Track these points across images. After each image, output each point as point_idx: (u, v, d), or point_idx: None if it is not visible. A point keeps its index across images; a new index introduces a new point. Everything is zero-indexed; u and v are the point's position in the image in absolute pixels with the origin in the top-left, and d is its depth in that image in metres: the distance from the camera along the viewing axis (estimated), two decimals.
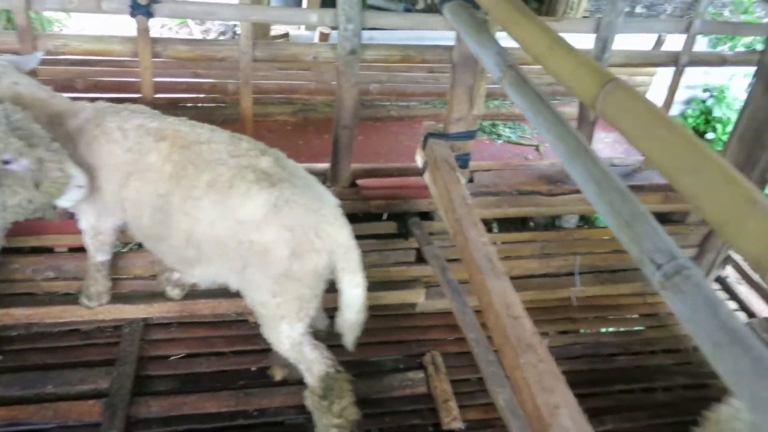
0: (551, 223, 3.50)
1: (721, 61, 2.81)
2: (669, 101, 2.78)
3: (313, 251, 1.90)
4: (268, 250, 1.89)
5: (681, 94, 5.60)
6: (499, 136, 3.66)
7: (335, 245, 1.95)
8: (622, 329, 3.16)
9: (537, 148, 3.58)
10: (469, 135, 2.53)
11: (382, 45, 2.33)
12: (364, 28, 2.25)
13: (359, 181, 2.57)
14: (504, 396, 1.86)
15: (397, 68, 3.54)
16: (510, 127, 3.70)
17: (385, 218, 2.84)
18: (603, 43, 2.46)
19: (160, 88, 3.06)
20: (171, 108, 2.67)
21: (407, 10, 5.24)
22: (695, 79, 5.49)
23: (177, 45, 2.20)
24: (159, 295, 2.58)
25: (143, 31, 2.09)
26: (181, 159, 1.91)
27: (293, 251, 1.89)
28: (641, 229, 1.14)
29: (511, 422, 1.78)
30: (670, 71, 2.75)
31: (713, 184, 0.96)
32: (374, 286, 2.81)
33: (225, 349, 2.56)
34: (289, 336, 2.03)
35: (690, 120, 5.50)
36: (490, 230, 3.77)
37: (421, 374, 2.53)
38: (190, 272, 2.08)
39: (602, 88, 1.24)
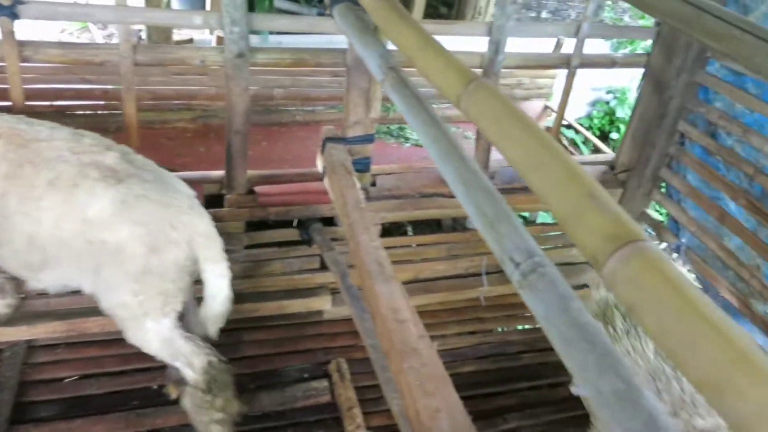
0: (462, 225, 3.54)
1: (611, 63, 2.91)
2: (563, 102, 2.86)
3: (171, 244, 1.87)
4: (123, 249, 1.83)
5: (587, 96, 5.83)
6: (407, 139, 3.67)
7: (194, 235, 1.92)
8: (527, 327, 3.23)
9: None
10: (368, 138, 2.51)
11: (273, 48, 2.28)
12: (252, 31, 2.20)
13: (257, 188, 2.50)
14: (398, 402, 1.84)
15: (301, 72, 3.49)
16: (399, 128, 3.71)
17: (295, 225, 2.79)
18: (496, 46, 2.49)
19: (44, 95, 2.89)
20: (59, 116, 2.52)
21: (320, 14, 5.20)
22: (600, 81, 5.72)
23: (48, 49, 2.06)
24: (45, 315, 2.42)
25: (8, 34, 1.95)
26: (17, 158, 1.82)
27: (150, 247, 1.84)
28: (503, 228, 1.13)
29: (404, 428, 1.76)
30: (578, 74, 2.82)
31: (557, 180, 0.96)
32: (278, 294, 2.77)
33: (117, 369, 2.43)
34: (157, 332, 1.95)
35: (596, 121, 5.73)
36: (404, 233, 3.78)
37: (325, 383, 2.48)
38: (37, 278, 1.98)
39: (465, 87, 1.23)
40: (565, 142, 5.23)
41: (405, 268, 2.98)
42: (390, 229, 3.66)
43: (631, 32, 3.78)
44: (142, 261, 1.84)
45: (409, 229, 3.83)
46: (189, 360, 2.00)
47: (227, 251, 2.43)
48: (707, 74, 2.89)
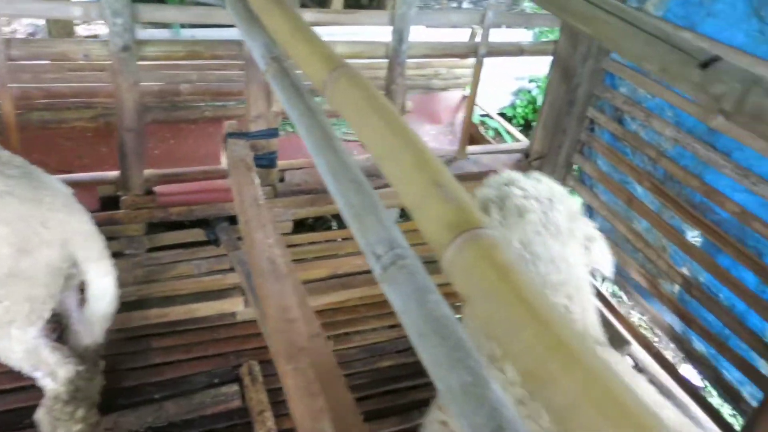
0: None
1: (519, 51, 2.93)
2: (473, 92, 2.85)
3: (43, 244, 1.75)
4: None
5: (510, 86, 5.91)
6: None
7: (69, 234, 1.81)
8: None
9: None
10: (271, 133, 2.44)
11: (163, 41, 2.19)
12: (165, 25, 2.10)
13: (156, 188, 2.40)
14: None
15: (210, 66, 3.37)
16: (334, 124, 3.66)
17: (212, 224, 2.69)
18: (399, 35, 2.46)
19: None
20: None
21: None
22: (523, 70, 5.81)
23: None
24: None
25: None
26: None
27: (18, 247, 1.71)
28: (368, 220, 1.09)
29: None
30: (501, 64, 2.83)
31: (406, 168, 0.92)
32: (187, 298, 2.66)
33: (9, 386, 2.28)
34: (21, 342, 1.82)
35: (519, 110, 5.81)
36: (329, 228, 3.72)
37: (236, 387, 2.40)
38: None
39: (330, 74, 1.19)
40: (490, 132, 5.28)
41: (324, 264, 2.93)
42: (314, 225, 3.61)
43: (538, 20, 3.78)
44: (7, 263, 1.71)
45: (334, 223, 3.77)
46: (53, 370, 1.87)
47: (127, 254, 2.32)
48: (612, 60, 2.94)
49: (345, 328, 2.81)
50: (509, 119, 5.88)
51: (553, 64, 3.02)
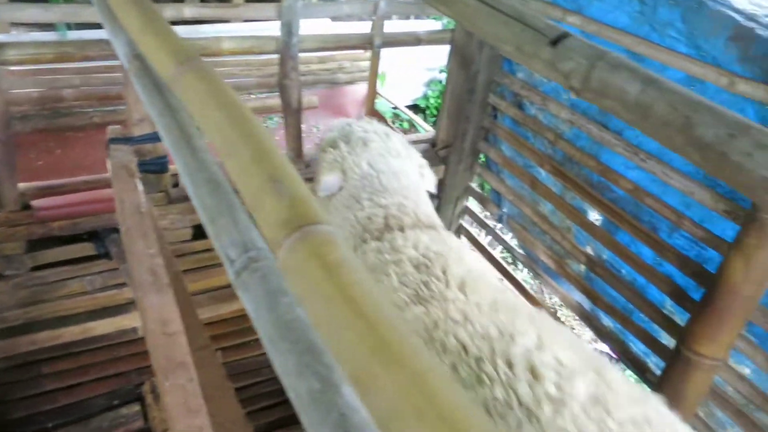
0: None
1: (416, 41, 2.90)
2: (372, 82, 2.81)
3: None
4: None
5: (422, 77, 5.93)
6: None
7: None
8: None
9: None
10: (157, 137, 2.30)
11: (29, 43, 2.01)
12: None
13: (34, 203, 2.22)
14: None
15: (98, 69, 3.18)
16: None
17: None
18: (288, 29, 2.38)
19: None
20: None
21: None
22: (434, 61, 5.84)
23: None
24: None
25: None
26: None
27: None
28: (222, 222, 1.02)
29: None
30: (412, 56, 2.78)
31: (246, 164, 0.86)
32: (81, 317, 2.50)
33: None
34: None
35: (432, 100, 5.84)
36: None
37: (137, 407, 2.27)
38: None
39: (176, 68, 1.11)
40: (405, 124, 5.27)
41: (221, 271, 2.82)
42: None
43: (432, 9, 3.76)
44: None
45: None
46: None
47: (7, 276, 2.16)
48: None
49: (250, 335, 2.72)
50: (423, 110, 5.91)
51: (452, 53, 3.02)
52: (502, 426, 1.06)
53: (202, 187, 1.10)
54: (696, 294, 2.18)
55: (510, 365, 1.15)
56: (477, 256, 1.64)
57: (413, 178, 1.99)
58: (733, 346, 2.11)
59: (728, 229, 2.12)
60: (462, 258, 1.59)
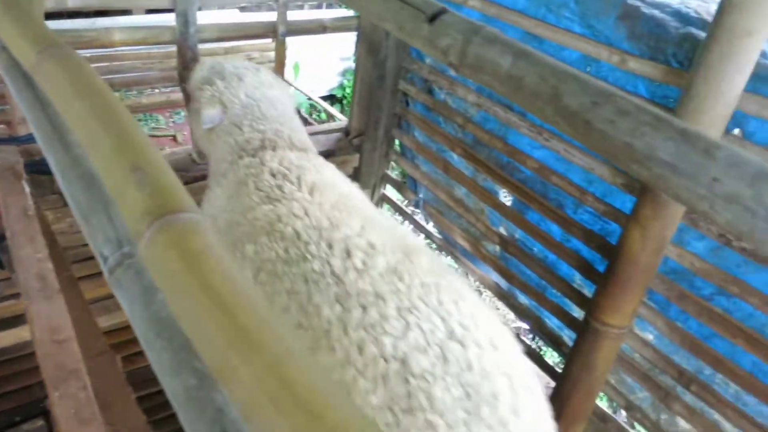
0: None
1: (322, 28, 2.87)
2: (278, 72, 2.75)
3: None
4: None
5: (337, 66, 5.89)
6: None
7: None
8: None
9: (174, 137, 3.35)
10: None
11: None
12: None
13: None
14: None
15: None
16: (141, 119, 3.39)
17: None
18: (184, 18, 2.29)
19: None
20: None
21: None
22: (348, 51, 5.81)
23: None
24: None
25: None
26: None
27: None
28: (96, 219, 0.96)
29: None
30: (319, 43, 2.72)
31: (108, 155, 0.81)
32: None
33: None
34: None
35: (348, 90, 5.81)
36: None
37: (40, 422, 2.15)
38: None
39: (36, 56, 1.03)
40: (323, 115, 5.22)
41: None
42: None
43: None
44: None
45: None
46: None
47: None
48: None
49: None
50: (340, 100, 5.87)
51: (359, 39, 3.00)
52: (315, 291, 1.33)
53: (75, 184, 1.04)
54: (601, 267, 2.27)
55: (330, 246, 1.43)
56: (342, 177, 1.91)
57: (288, 106, 2.18)
58: (636, 313, 2.21)
59: (627, 202, 2.21)
60: (320, 171, 1.83)
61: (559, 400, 2.47)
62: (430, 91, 3.12)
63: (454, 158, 3.05)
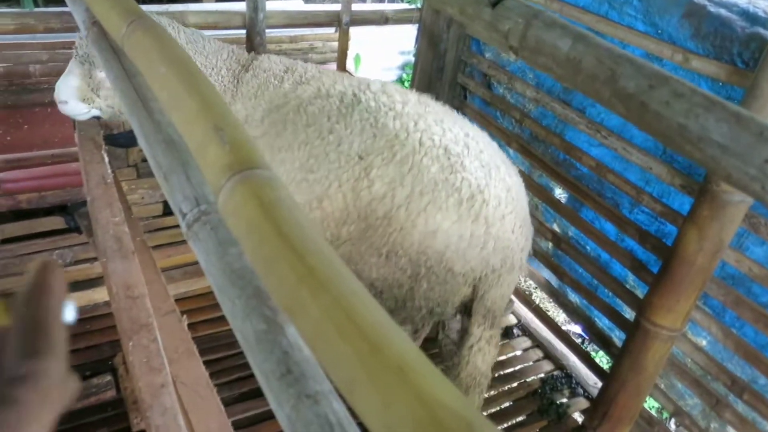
0: None
1: (384, 19, 2.92)
2: (341, 60, 2.83)
3: None
4: None
5: (396, 60, 5.95)
6: None
7: None
8: None
9: None
10: None
11: None
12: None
13: (0, 175, 2.22)
14: None
15: (64, 44, 3.15)
16: None
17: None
18: (254, 3, 2.39)
19: None
20: None
21: None
22: (408, 44, 5.86)
23: None
24: None
25: None
26: None
27: None
28: (175, 179, 1.05)
29: None
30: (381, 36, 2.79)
31: (192, 115, 0.89)
32: None
33: None
34: None
35: (407, 84, 5.85)
36: None
37: (108, 377, 2.28)
38: None
39: (126, 28, 1.13)
40: None
41: None
42: None
43: None
44: None
45: None
46: None
47: None
48: None
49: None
50: None
51: (420, 32, 3.04)
52: (380, 116, 1.89)
53: (157, 147, 1.13)
54: (655, 268, 2.25)
55: (365, 92, 1.99)
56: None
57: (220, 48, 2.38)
58: (690, 317, 2.18)
59: (685, 204, 2.19)
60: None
61: (606, 400, 2.46)
62: (488, 85, 3.14)
63: (510, 153, 3.06)
